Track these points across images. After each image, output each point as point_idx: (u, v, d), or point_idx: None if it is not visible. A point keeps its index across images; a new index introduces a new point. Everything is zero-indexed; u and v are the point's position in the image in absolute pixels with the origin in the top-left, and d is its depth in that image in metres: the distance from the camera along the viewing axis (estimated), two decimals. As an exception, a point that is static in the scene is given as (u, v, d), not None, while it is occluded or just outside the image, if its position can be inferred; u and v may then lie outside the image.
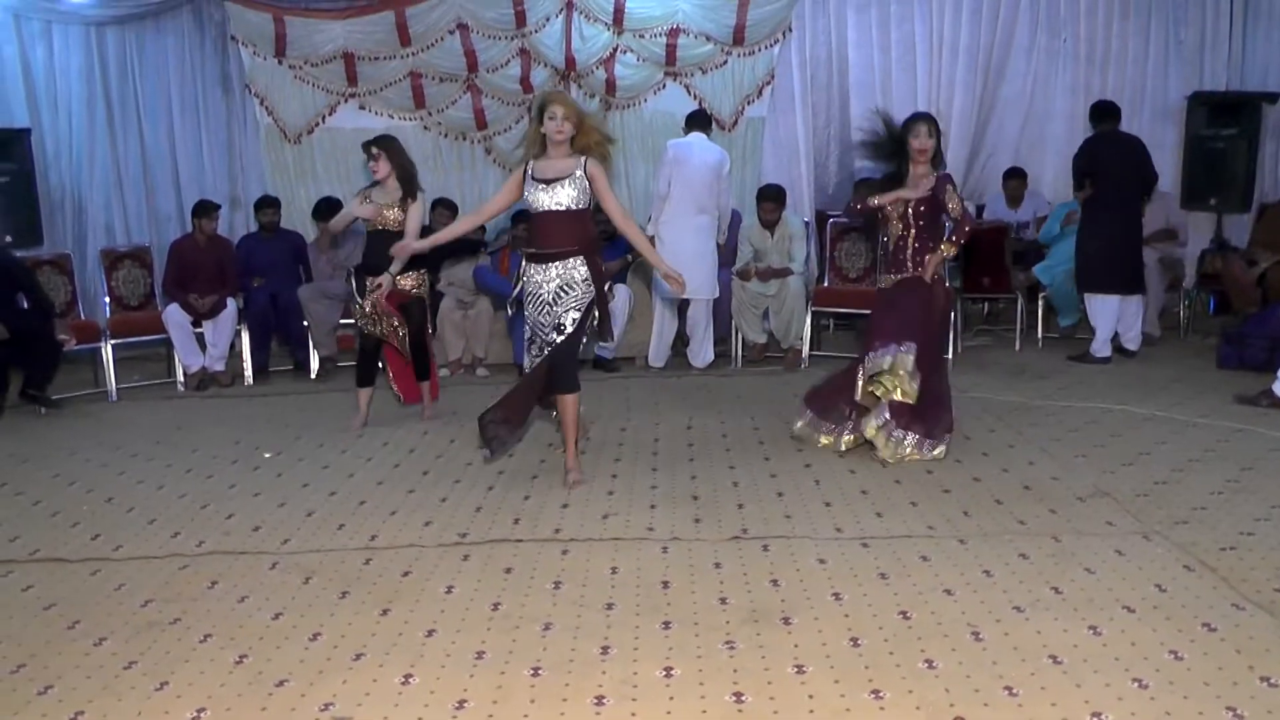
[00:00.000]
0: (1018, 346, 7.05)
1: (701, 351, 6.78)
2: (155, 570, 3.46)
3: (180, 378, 6.68)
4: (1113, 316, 6.45)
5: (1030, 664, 2.62)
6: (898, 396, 4.41)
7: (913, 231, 4.59)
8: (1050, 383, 5.95)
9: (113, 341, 6.52)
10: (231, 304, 6.77)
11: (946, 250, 4.57)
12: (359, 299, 5.21)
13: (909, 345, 4.40)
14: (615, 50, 7.61)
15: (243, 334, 6.77)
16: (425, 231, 5.18)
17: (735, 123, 7.76)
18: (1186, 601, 2.96)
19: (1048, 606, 2.96)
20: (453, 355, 6.80)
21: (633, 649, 2.78)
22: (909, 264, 4.61)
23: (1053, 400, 5.50)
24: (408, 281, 5.24)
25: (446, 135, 7.84)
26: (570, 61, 7.55)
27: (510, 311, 4.54)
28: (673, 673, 2.64)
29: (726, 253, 6.84)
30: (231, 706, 2.54)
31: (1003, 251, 7.18)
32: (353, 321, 5.65)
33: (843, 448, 4.58)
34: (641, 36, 7.59)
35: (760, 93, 7.73)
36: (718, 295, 6.69)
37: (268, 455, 4.87)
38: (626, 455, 4.72)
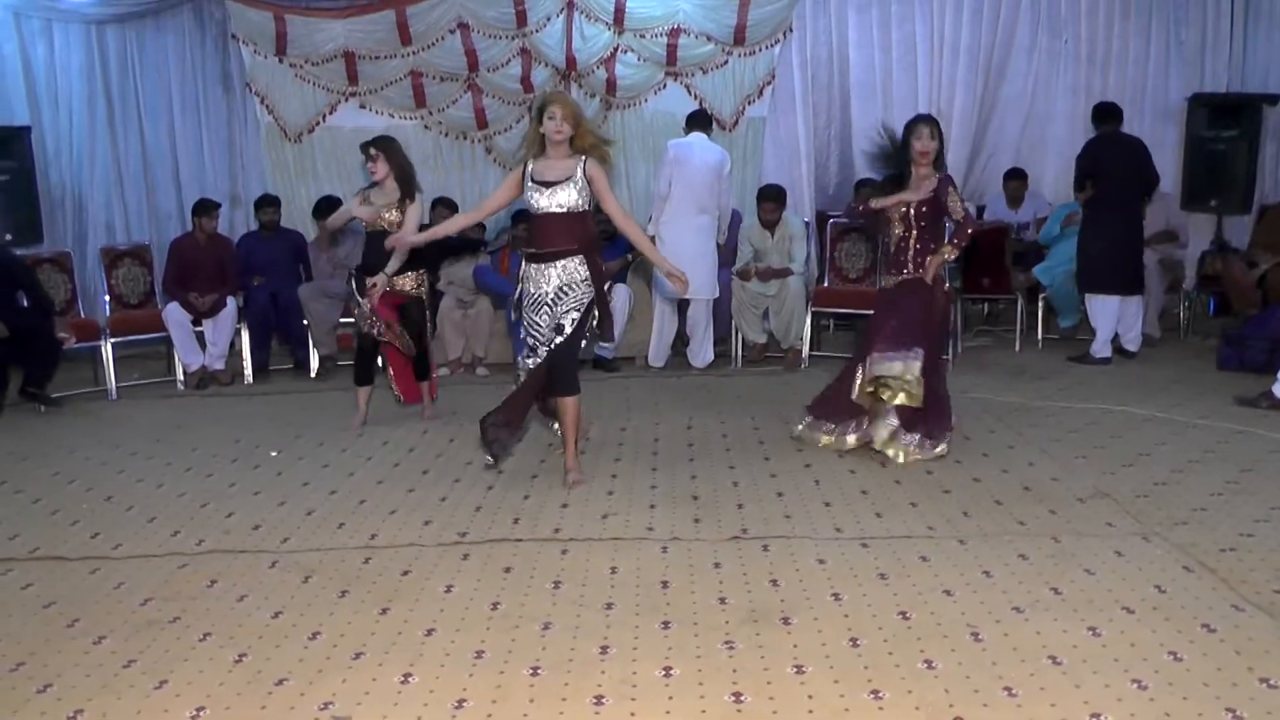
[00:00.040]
0: (1018, 347, 7.05)
1: (701, 351, 6.78)
2: (155, 569, 3.46)
3: (180, 376, 6.68)
4: (1113, 317, 6.45)
5: (1030, 664, 2.62)
6: (902, 401, 4.42)
7: (914, 232, 4.59)
8: (1050, 384, 5.95)
9: (112, 340, 6.52)
10: (231, 302, 6.77)
11: (948, 252, 4.57)
12: (359, 299, 5.22)
13: (917, 351, 4.41)
14: (616, 50, 7.61)
15: (243, 333, 6.77)
16: (424, 230, 5.18)
17: (736, 123, 7.76)
18: (1186, 603, 2.96)
19: (1047, 607, 2.96)
20: (453, 354, 6.81)
21: (632, 649, 2.78)
22: (909, 265, 4.61)
23: (1053, 401, 5.50)
24: (407, 282, 5.24)
25: (447, 134, 7.83)
26: (571, 61, 7.55)
27: (514, 317, 4.54)
28: (672, 672, 2.64)
29: (727, 253, 6.84)
30: (231, 705, 2.54)
31: (1003, 252, 7.18)
32: (353, 320, 5.65)
33: (849, 446, 4.59)
34: (642, 36, 7.59)
35: (761, 93, 7.72)
36: (718, 295, 6.69)
37: (274, 453, 4.88)
38: (626, 455, 4.72)
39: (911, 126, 4.58)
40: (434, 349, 5.81)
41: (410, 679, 2.65)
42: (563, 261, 4.17)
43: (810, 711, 2.44)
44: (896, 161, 4.63)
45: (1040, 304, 7.11)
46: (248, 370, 6.74)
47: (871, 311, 4.95)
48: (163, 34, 7.69)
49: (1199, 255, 7.44)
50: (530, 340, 4.22)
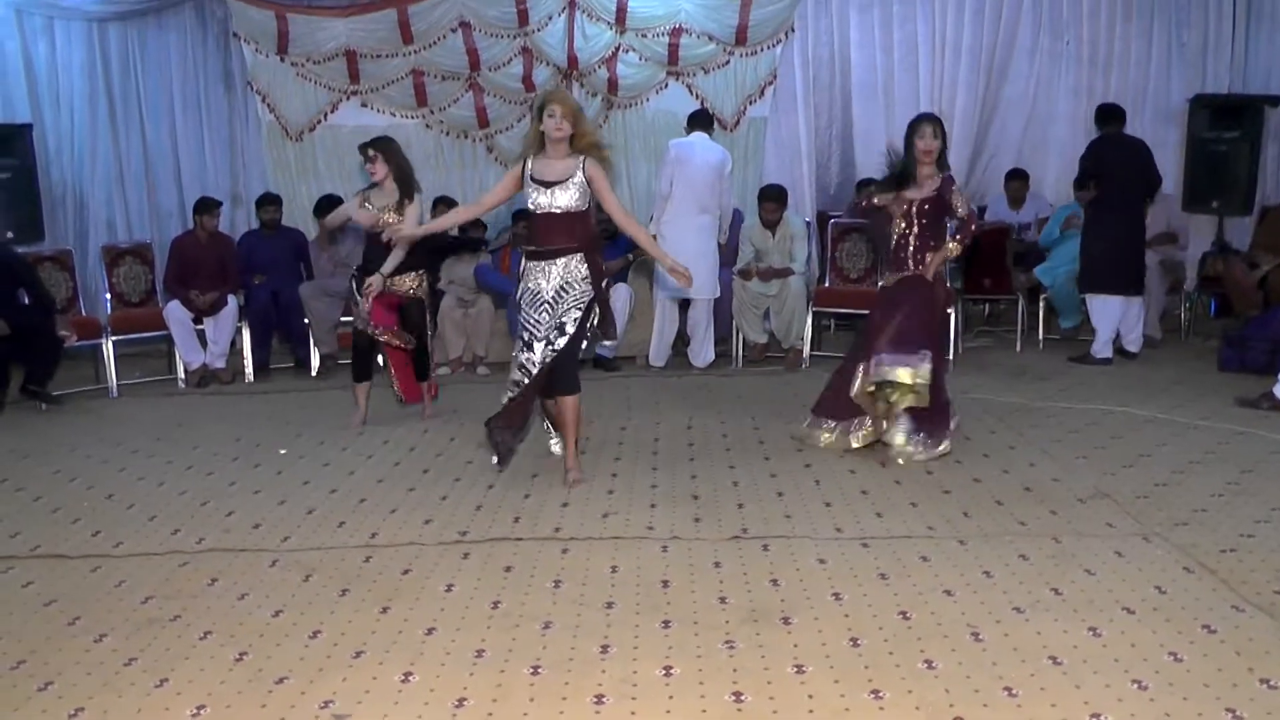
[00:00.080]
0: (1019, 348, 7.05)
1: (702, 351, 6.78)
2: (155, 567, 3.46)
3: (181, 374, 6.68)
4: (1114, 318, 6.45)
5: (1030, 665, 2.62)
6: (910, 403, 4.42)
7: (915, 230, 4.59)
8: (1051, 384, 5.94)
9: (113, 338, 6.53)
10: (232, 301, 6.77)
11: (952, 249, 4.57)
12: (359, 299, 5.21)
13: (924, 353, 4.40)
14: (617, 49, 7.62)
15: (244, 331, 6.77)
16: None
17: (737, 123, 7.77)
18: (1186, 603, 2.96)
19: (1047, 607, 2.96)
20: (454, 354, 6.81)
21: (632, 648, 2.78)
22: (910, 262, 4.60)
23: (1053, 402, 5.50)
24: (406, 282, 5.24)
25: (448, 133, 7.84)
26: (572, 60, 7.55)
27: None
28: (672, 672, 2.64)
29: (728, 252, 6.83)
30: (231, 704, 2.54)
31: (1004, 252, 7.18)
32: (353, 320, 5.65)
33: (850, 445, 4.59)
34: (644, 36, 7.59)
35: (762, 93, 7.73)
36: (719, 295, 6.69)
37: (282, 451, 4.87)
38: (627, 454, 4.72)
39: (915, 125, 4.58)
40: (435, 348, 5.81)
41: (411, 678, 2.65)
42: (563, 260, 4.16)
43: (810, 711, 2.44)
44: (903, 174, 4.65)
45: (1041, 305, 7.11)
46: (248, 369, 6.74)
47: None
48: (164, 32, 7.69)
49: (1200, 256, 7.45)
50: (525, 335, 4.20)
